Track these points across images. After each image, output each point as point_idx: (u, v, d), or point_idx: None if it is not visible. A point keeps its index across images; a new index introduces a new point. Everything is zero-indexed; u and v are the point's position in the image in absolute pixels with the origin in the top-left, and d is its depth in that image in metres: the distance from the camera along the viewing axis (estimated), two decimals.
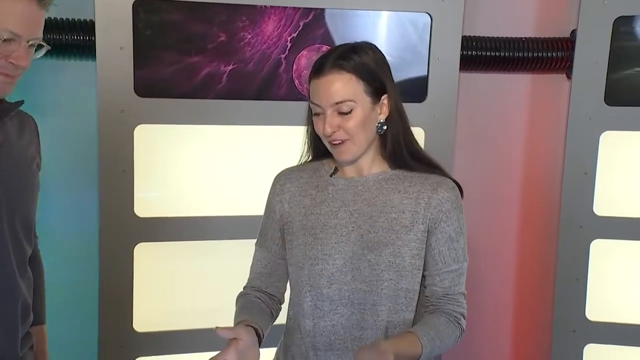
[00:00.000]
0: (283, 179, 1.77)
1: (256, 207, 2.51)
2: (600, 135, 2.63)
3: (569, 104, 2.64)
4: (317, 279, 1.66)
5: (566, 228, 2.67)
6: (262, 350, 1.68)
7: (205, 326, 2.52)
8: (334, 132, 1.61)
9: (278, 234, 1.76)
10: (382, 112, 1.65)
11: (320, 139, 1.68)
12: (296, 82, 2.49)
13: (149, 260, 2.50)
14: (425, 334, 1.62)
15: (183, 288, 2.57)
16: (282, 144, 2.51)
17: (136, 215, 2.43)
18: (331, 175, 1.72)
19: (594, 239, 2.68)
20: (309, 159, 1.78)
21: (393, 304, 1.65)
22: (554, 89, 2.82)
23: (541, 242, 2.85)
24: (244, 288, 1.80)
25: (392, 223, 1.65)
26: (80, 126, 2.45)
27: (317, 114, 1.64)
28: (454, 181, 1.72)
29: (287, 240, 1.73)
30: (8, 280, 1.55)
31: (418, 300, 1.69)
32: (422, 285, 1.70)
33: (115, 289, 2.44)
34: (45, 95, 2.44)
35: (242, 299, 1.76)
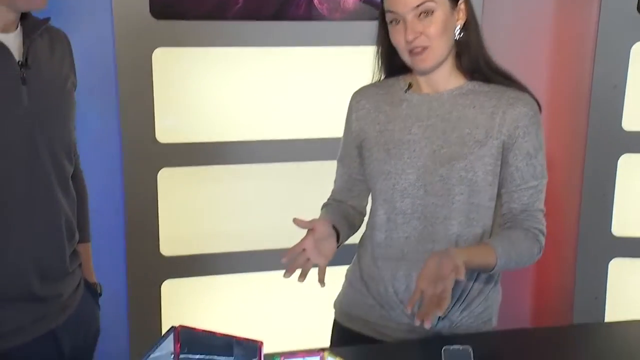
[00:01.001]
0: (359, 96, 1.80)
1: (277, 130, 2.53)
2: (631, 46, 2.54)
3: (599, 13, 2.54)
4: (391, 193, 1.70)
5: (594, 142, 2.63)
6: (337, 268, 1.72)
7: (230, 249, 2.57)
8: (415, 38, 1.60)
9: (355, 151, 1.80)
10: (460, 18, 1.66)
11: (392, 56, 1.70)
12: (315, 1, 2.43)
13: (173, 185, 2.51)
14: (501, 245, 1.63)
15: (208, 212, 2.59)
16: (301, 65, 2.47)
17: (158, 141, 2.42)
18: (406, 91, 1.73)
19: (622, 153, 2.64)
20: (382, 78, 1.80)
21: (465, 218, 1.67)
22: None
23: (567, 157, 2.81)
24: (327, 200, 1.86)
25: (465, 138, 1.66)
26: (98, 49, 2.41)
27: (395, 23, 1.63)
28: (532, 96, 1.70)
29: (364, 157, 1.76)
30: (51, 200, 1.56)
31: (493, 221, 1.70)
32: (499, 204, 1.71)
33: (140, 215, 2.46)
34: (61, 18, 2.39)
35: (324, 208, 1.83)
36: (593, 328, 1.86)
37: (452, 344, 1.51)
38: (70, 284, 1.64)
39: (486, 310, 1.77)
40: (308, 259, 1.59)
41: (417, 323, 1.45)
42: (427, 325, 1.43)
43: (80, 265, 1.72)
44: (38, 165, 1.52)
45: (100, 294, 1.82)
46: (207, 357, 1.28)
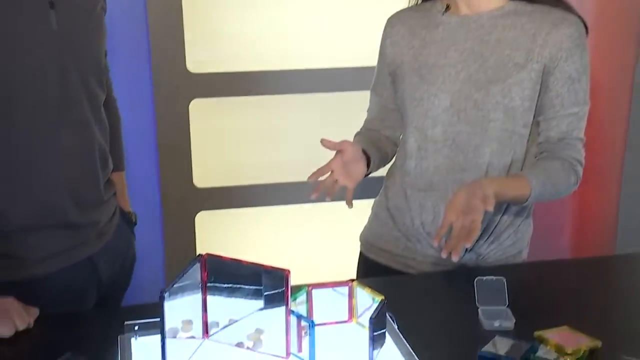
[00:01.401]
0: (394, 21, 1.75)
1: (310, 59, 2.46)
2: None
3: None
4: (422, 120, 1.65)
5: None
6: (364, 201, 1.68)
7: (264, 181, 2.55)
8: None
9: (389, 78, 1.75)
10: None
11: None
12: None
13: (205, 116, 2.48)
14: (535, 176, 1.57)
15: (240, 143, 2.56)
16: None
17: (189, 72, 2.39)
18: (443, 13, 1.66)
19: None
20: (419, 1, 1.74)
21: (497, 147, 1.61)
22: None
23: (614, 83, 2.68)
24: (360, 129, 1.82)
25: (504, 60, 1.58)
26: None
27: None
28: (579, 16, 1.61)
29: (397, 83, 1.71)
30: (83, 127, 1.54)
31: (527, 151, 1.64)
32: (535, 132, 1.64)
33: (173, 146, 2.44)
34: None
35: (356, 136, 1.79)
36: (637, 257, 1.79)
37: (484, 275, 1.47)
38: (105, 213, 1.64)
39: (516, 244, 1.72)
40: (336, 181, 1.55)
41: (444, 255, 1.42)
42: (455, 258, 1.40)
43: (115, 194, 1.71)
44: (69, 92, 1.50)
45: (135, 223, 1.82)
46: (235, 285, 1.26)
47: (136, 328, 1.30)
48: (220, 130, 2.54)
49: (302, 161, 2.49)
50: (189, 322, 1.29)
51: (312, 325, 1.18)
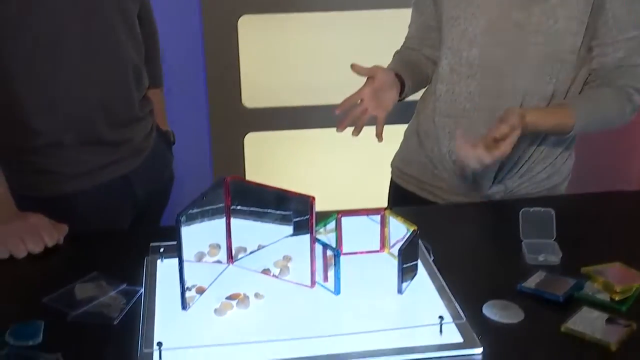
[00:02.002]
0: None
1: None
2: None
3: None
4: (458, 41, 1.53)
5: None
6: (397, 127, 1.60)
7: (313, 103, 2.47)
8: None
9: None
10: None
11: None
12: None
13: (254, 35, 2.40)
14: (580, 106, 1.46)
15: (289, 63, 2.47)
16: None
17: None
18: None
19: None
20: None
21: (537, 73, 1.48)
22: None
23: None
24: (399, 48, 1.72)
25: None
26: None
27: None
28: None
29: (437, 1, 1.59)
30: (116, 44, 1.49)
31: (573, 80, 1.50)
32: (587, 57, 1.50)
33: (221, 65, 2.38)
34: None
35: (395, 55, 1.70)
36: None
37: (528, 207, 1.37)
38: (140, 130, 1.60)
39: (551, 178, 1.61)
40: (365, 110, 1.46)
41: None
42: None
43: (151, 111, 1.66)
44: (98, 5, 1.44)
45: (173, 142, 1.78)
46: (262, 210, 1.21)
47: (161, 250, 1.27)
48: (270, 49, 2.46)
49: (354, 82, 2.42)
50: (217, 246, 1.25)
51: (337, 254, 1.12)
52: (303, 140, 2.56)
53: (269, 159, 2.60)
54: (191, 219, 1.13)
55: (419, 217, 1.26)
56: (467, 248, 1.37)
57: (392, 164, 1.75)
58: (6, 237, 1.31)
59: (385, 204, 1.77)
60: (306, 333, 1.06)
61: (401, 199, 1.71)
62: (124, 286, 1.21)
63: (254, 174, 2.55)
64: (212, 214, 1.20)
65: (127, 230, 1.48)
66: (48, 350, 1.05)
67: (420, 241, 1.29)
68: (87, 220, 1.45)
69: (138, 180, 1.59)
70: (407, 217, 1.22)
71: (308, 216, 1.13)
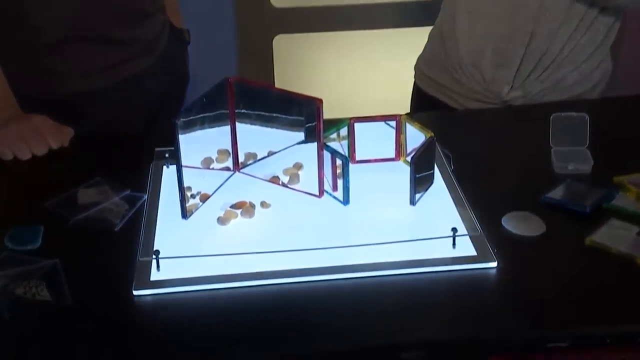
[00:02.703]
0: None
1: None
2: None
3: None
4: None
5: None
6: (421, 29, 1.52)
7: (346, 2, 2.34)
8: None
9: None
10: None
11: None
12: None
13: None
14: None
15: None
16: None
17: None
18: None
19: None
20: None
21: None
22: None
23: None
24: None
25: None
26: None
27: None
28: None
29: None
30: None
31: None
32: None
33: None
34: None
35: None
36: None
37: (558, 112, 1.26)
38: (151, 27, 1.52)
39: (578, 85, 1.48)
40: None
41: None
42: None
43: (163, 7, 1.57)
44: None
45: (188, 41, 1.69)
46: (272, 115, 1.13)
47: (167, 155, 1.21)
48: None
49: None
50: (226, 152, 1.19)
51: (346, 162, 1.04)
52: (334, 43, 2.45)
53: (298, 63, 2.50)
54: (197, 123, 1.07)
55: (440, 124, 1.18)
56: (490, 157, 1.28)
57: (416, 66, 1.66)
58: (9, 139, 1.26)
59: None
60: (312, 244, 1.01)
61: (423, 104, 1.63)
62: (127, 192, 1.16)
63: (282, 78, 2.46)
64: (220, 118, 1.14)
65: (135, 135, 1.43)
66: (46, 256, 1.02)
67: (440, 149, 1.21)
68: (94, 123, 1.40)
69: (149, 82, 1.52)
70: (427, 124, 1.13)
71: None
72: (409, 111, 1.67)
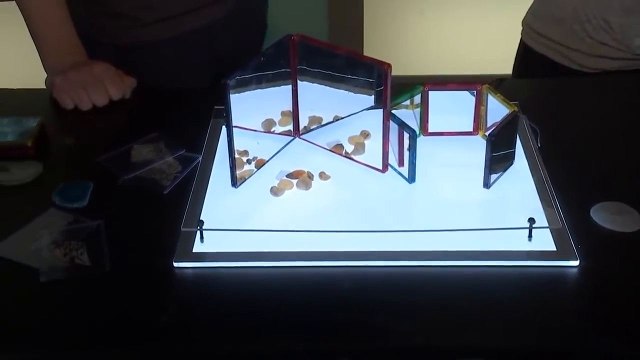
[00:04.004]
0: None
1: None
2: None
3: None
4: None
5: None
6: None
7: None
8: None
9: None
10: None
11: None
12: None
13: None
14: None
15: None
16: None
17: None
18: None
19: None
20: None
21: None
22: None
23: None
24: None
25: None
26: None
27: None
28: None
29: None
30: None
31: None
32: None
33: None
34: None
35: None
36: None
37: None
38: None
39: None
40: None
41: None
42: None
43: None
44: None
45: None
46: (327, 72, 1.02)
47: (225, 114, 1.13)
48: None
49: None
50: (289, 114, 1.10)
51: (413, 136, 0.93)
52: None
53: (391, 15, 2.36)
54: (258, 82, 0.98)
55: (542, 88, 1.02)
56: (591, 133, 1.13)
57: (524, 21, 1.49)
58: (70, 86, 1.21)
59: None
60: (369, 225, 0.91)
61: (530, 64, 1.47)
62: (183, 152, 1.09)
63: (372, 32, 2.33)
64: (283, 77, 1.04)
65: (201, 89, 1.35)
66: (92, 215, 0.97)
67: (528, 122, 1.08)
68: (159, 76, 1.34)
69: (223, 32, 1.43)
70: (527, 88, 0.99)
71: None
72: (512, 72, 1.52)
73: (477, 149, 1.01)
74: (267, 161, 1.04)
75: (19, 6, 1.27)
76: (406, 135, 0.94)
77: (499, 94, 1.00)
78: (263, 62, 0.97)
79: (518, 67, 1.51)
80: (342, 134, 1.08)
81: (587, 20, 1.33)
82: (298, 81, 1.04)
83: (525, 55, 1.47)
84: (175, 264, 0.89)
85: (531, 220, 0.87)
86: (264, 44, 1.58)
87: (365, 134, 1.08)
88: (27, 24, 1.28)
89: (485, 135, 1.04)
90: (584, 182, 1.00)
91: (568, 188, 0.97)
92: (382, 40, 2.42)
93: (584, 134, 1.12)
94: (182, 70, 1.40)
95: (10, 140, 1.11)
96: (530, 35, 1.45)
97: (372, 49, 2.37)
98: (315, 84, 1.05)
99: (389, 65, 0.91)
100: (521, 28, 1.48)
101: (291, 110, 1.09)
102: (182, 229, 0.91)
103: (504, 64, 1.58)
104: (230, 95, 0.92)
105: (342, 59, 0.98)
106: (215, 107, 1.15)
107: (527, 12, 1.48)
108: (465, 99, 1.04)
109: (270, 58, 0.99)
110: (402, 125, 0.94)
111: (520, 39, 1.48)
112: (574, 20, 1.34)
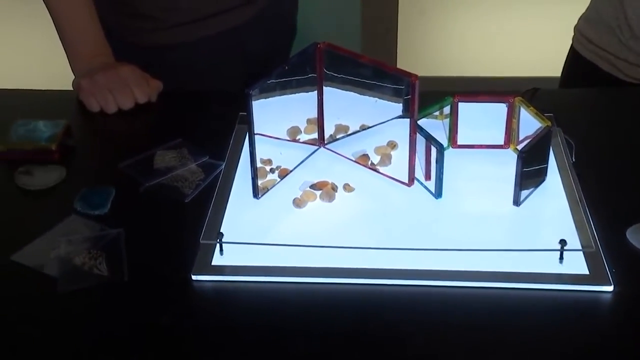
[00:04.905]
0: None
1: None
2: None
3: None
4: None
5: None
6: None
7: None
8: None
9: None
10: None
11: None
12: None
13: None
14: None
15: None
16: None
17: None
18: None
19: None
20: None
21: None
22: None
23: None
24: None
25: None
26: None
27: None
28: None
29: None
30: None
31: None
32: None
33: None
34: None
35: None
36: None
37: None
38: None
39: None
40: None
41: None
42: None
43: None
44: None
45: None
46: (357, 79, 0.99)
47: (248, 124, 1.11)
48: None
49: None
50: (315, 121, 1.07)
51: (441, 149, 0.90)
52: None
53: (428, 15, 2.32)
54: (283, 88, 0.96)
55: (587, 98, 0.98)
56: (630, 149, 1.08)
57: (576, 27, 1.44)
58: (96, 89, 1.20)
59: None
60: (393, 242, 0.88)
61: (579, 71, 1.43)
62: (206, 158, 1.08)
63: (407, 34, 2.29)
64: (309, 83, 1.02)
65: (228, 93, 1.33)
66: (112, 222, 0.96)
67: (563, 135, 1.04)
68: (186, 78, 1.32)
69: (251, 34, 1.41)
70: (571, 99, 0.95)
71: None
72: (560, 77, 1.47)
73: (507, 163, 0.97)
74: (291, 171, 1.01)
75: (47, 6, 1.27)
76: (433, 149, 0.91)
77: (531, 107, 0.96)
78: (287, 70, 0.94)
79: (567, 73, 1.47)
80: (368, 143, 1.05)
81: (631, 32, 1.28)
82: (324, 88, 1.01)
83: (574, 61, 1.43)
84: (194, 277, 0.87)
85: (562, 242, 0.84)
86: (293, 48, 1.55)
87: (393, 145, 1.05)
88: (55, 25, 1.27)
89: (517, 149, 1.00)
90: (620, 201, 0.96)
91: (603, 207, 0.93)
92: (415, 43, 2.39)
93: (622, 150, 1.08)
94: (209, 74, 1.38)
95: (35, 143, 1.10)
96: (580, 41, 1.41)
97: (405, 53, 2.33)
98: (341, 91, 1.02)
99: (416, 77, 0.88)
100: (572, 34, 1.44)
101: (316, 117, 1.07)
102: (202, 241, 0.89)
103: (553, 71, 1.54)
104: (254, 102, 0.90)
105: (369, 68, 0.95)
106: (240, 113, 1.12)
107: (580, 17, 1.44)
108: (496, 111, 1.01)
109: (295, 66, 0.96)
110: (430, 139, 0.91)
111: (571, 45, 1.44)
112: (620, 30, 1.30)
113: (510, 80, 2.22)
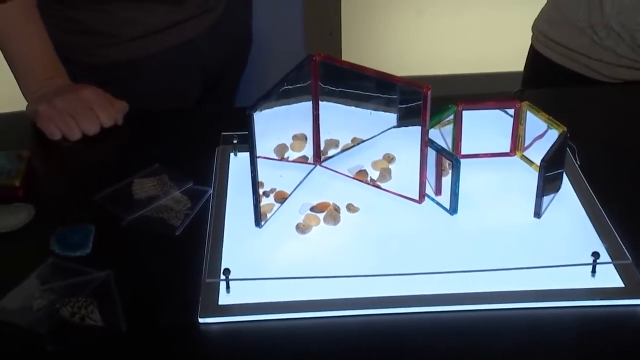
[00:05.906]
0: None
1: None
2: None
3: None
4: None
5: None
6: None
7: None
8: None
9: None
10: None
11: None
12: None
13: None
14: None
15: None
16: None
17: None
18: None
19: None
20: None
21: None
22: None
23: None
24: None
25: None
26: None
27: None
28: None
29: None
30: None
31: None
32: None
33: None
34: None
35: None
36: None
37: None
38: None
39: None
40: None
41: None
42: None
43: None
44: None
45: None
46: (354, 91, 0.93)
47: (235, 141, 1.03)
48: None
49: None
50: (302, 137, 1.00)
51: (457, 163, 0.85)
52: None
53: (371, 16, 2.28)
54: (269, 101, 0.88)
55: (561, 100, 0.95)
56: (632, 149, 1.06)
57: (534, 27, 1.40)
58: (56, 115, 1.10)
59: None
60: (409, 265, 0.82)
61: (543, 73, 1.39)
62: (190, 185, 0.99)
63: (351, 39, 2.24)
64: (297, 94, 0.94)
65: (194, 109, 1.24)
66: (96, 264, 0.86)
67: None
68: (145, 94, 1.23)
69: (208, 44, 1.34)
70: (545, 98, 0.92)
71: (419, 102, 0.84)
72: (522, 78, 1.44)
73: (515, 171, 0.93)
74: (290, 194, 0.94)
75: None
76: (447, 163, 0.85)
77: (542, 112, 0.92)
78: (286, 88, 0.87)
79: (529, 75, 1.43)
80: (364, 158, 0.99)
81: (607, 32, 1.26)
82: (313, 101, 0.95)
83: (535, 62, 1.39)
84: (201, 320, 0.79)
85: (595, 255, 0.80)
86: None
87: (389, 158, 0.99)
88: None
89: (524, 156, 0.96)
90: (632, 202, 0.93)
91: (621, 214, 0.89)
92: (360, 42, 2.34)
93: (623, 150, 1.05)
94: (167, 87, 1.30)
95: None
96: (541, 41, 1.37)
97: (350, 52, 2.29)
98: (329, 103, 0.96)
99: (428, 87, 0.82)
100: (531, 34, 1.40)
101: (304, 133, 1.00)
102: (207, 280, 0.81)
103: (502, 63, 1.51)
104: (248, 122, 0.82)
105: (373, 81, 0.88)
106: (223, 133, 1.05)
107: (538, 16, 1.40)
108: (496, 117, 0.96)
109: (293, 82, 0.89)
110: (443, 152, 0.86)
111: (531, 45, 1.40)
112: (594, 30, 1.28)
113: (469, 78, 2.21)
